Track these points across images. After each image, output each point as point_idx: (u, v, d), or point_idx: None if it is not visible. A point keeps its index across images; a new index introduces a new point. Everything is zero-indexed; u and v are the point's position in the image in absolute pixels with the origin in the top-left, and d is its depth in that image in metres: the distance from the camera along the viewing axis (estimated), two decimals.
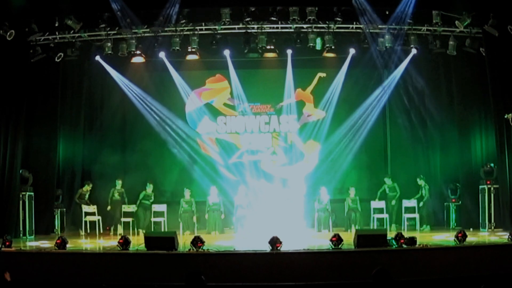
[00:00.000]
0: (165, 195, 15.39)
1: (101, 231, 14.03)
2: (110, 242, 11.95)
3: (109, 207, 14.24)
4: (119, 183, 14.42)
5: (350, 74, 15.13)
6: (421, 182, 14.36)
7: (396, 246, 9.82)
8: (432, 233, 13.26)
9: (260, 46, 13.81)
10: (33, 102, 13.85)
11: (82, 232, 13.96)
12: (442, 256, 9.59)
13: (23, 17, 12.79)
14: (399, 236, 9.92)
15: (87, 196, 14.51)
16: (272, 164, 15.70)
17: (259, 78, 15.71)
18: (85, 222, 14.03)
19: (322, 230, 13.91)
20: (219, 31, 13.76)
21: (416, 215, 14.11)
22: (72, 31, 13.46)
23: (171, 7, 12.67)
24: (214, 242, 11.65)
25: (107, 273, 9.37)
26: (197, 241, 9.82)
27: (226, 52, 14.62)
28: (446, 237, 11.72)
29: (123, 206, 14.23)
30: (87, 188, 14.55)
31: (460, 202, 14.33)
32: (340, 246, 9.89)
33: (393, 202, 14.28)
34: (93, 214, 14.15)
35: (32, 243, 12.03)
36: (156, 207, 14.38)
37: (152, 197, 14.44)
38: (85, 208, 14.17)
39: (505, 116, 12.48)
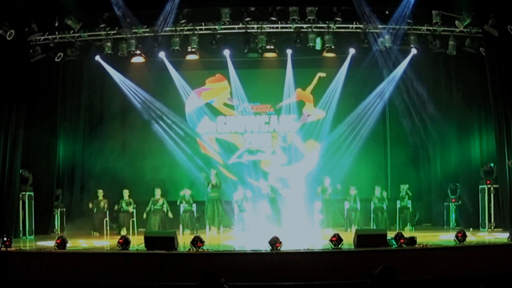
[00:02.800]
0: (165, 195, 15.36)
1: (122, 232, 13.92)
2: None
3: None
4: (125, 192, 14.31)
5: (350, 74, 15.13)
6: (403, 187, 14.30)
7: (396, 246, 9.82)
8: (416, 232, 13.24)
9: (260, 46, 13.82)
10: (33, 102, 13.84)
11: (96, 233, 13.93)
12: (442, 256, 9.59)
13: (23, 17, 12.79)
14: (399, 236, 9.92)
15: (102, 203, 14.27)
16: (272, 164, 15.70)
17: (259, 78, 15.71)
18: (106, 221, 14.03)
19: (324, 229, 13.87)
20: (219, 31, 13.76)
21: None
22: (72, 31, 13.47)
23: (171, 7, 12.67)
24: (214, 242, 11.65)
25: (107, 273, 9.37)
26: (197, 241, 9.82)
27: (226, 52, 14.62)
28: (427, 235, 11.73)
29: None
30: (101, 197, 14.38)
31: (460, 202, 14.34)
32: (340, 246, 9.89)
33: (379, 214, 14.04)
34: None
35: (32, 243, 12.02)
36: None
37: (161, 201, 14.24)
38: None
39: (507, 163, 12.49)
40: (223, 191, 14.73)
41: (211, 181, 14.20)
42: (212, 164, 15.55)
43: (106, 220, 14.07)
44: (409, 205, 14.16)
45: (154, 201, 14.22)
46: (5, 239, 10.07)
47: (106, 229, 13.97)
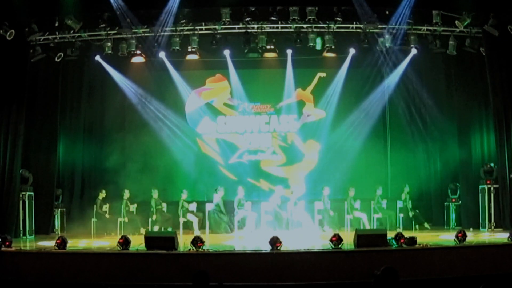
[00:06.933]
0: (165, 195, 15.37)
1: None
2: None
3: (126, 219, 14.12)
4: (126, 193, 14.27)
5: (350, 74, 15.14)
6: (406, 189, 14.31)
7: (396, 246, 9.82)
8: (423, 232, 13.22)
9: (260, 46, 13.82)
10: (33, 102, 13.85)
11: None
12: (442, 256, 9.59)
13: (23, 17, 12.79)
14: (399, 236, 9.92)
15: (104, 207, 14.25)
16: (272, 164, 15.69)
17: (259, 78, 15.71)
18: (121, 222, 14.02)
19: (324, 230, 13.88)
20: (219, 31, 13.76)
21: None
22: (72, 31, 13.47)
23: (171, 7, 12.67)
24: (214, 242, 11.64)
25: (107, 273, 9.36)
26: (197, 241, 9.82)
27: (226, 52, 14.64)
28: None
29: None
30: (102, 195, 14.34)
31: (460, 202, 14.34)
32: (340, 246, 9.89)
33: (380, 214, 14.13)
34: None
35: (32, 243, 12.02)
36: None
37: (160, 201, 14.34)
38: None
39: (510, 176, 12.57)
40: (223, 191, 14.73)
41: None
42: (212, 164, 15.56)
43: (122, 221, 13.97)
44: (409, 204, 14.14)
45: (156, 201, 14.23)
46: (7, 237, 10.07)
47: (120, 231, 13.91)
